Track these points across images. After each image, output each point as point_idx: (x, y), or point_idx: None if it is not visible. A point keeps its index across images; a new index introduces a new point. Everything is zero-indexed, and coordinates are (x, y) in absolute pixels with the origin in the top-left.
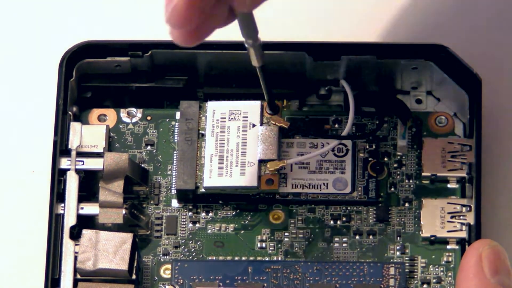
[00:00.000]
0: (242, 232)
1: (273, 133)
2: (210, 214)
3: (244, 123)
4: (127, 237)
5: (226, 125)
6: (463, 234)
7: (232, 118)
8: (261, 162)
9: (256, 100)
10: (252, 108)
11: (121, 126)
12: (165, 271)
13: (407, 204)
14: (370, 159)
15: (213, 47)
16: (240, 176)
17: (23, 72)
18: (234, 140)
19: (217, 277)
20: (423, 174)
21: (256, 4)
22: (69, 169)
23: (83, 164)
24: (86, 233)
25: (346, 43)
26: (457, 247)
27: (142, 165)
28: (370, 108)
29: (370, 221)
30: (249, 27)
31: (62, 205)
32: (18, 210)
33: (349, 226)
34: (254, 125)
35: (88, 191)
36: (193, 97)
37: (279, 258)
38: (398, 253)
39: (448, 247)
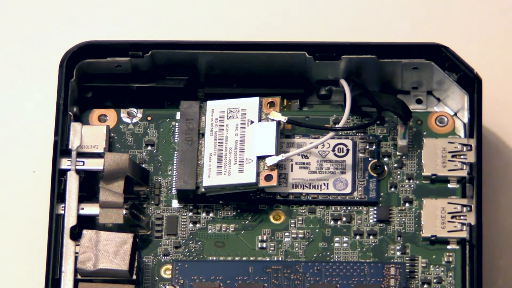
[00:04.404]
0: (242, 232)
1: (271, 128)
2: (211, 214)
3: (243, 120)
4: (128, 238)
5: (225, 124)
6: (464, 234)
7: (230, 116)
8: (260, 158)
9: (254, 97)
10: (250, 104)
11: (121, 127)
12: (166, 272)
13: (407, 204)
14: (370, 159)
15: (214, 47)
16: (239, 174)
17: (23, 72)
18: (232, 138)
19: (217, 277)
20: (424, 174)
21: None
22: (69, 170)
23: (83, 164)
24: (87, 233)
25: (346, 43)
26: (457, 247)
27: (143, 166)
28: (371, 108)
29: (371, 221)
30: None
31: (63, 205)
32: (19, 210)
33: (349, 226)
34: (252, 122)
35: (88, 192)
36: (193, 97)
37: (280, 258)
38: (398, 253)
39: (449, 247)
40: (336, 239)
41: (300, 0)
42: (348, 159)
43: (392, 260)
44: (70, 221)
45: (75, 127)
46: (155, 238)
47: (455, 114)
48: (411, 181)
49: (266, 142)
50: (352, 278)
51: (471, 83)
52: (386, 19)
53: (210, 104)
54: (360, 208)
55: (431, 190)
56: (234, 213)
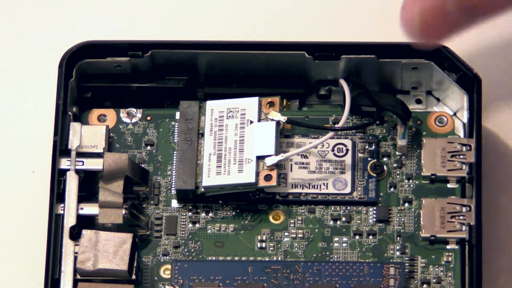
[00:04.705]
0: (242, 232)
1: (271, 128)
2: (210, 214)
3: (242, 120)
4: (127, 237)
5: (224, 124)
6: (463, 234)
7: (230, 116)
8: (259, 158)
9: (254, 97)
10: (249, 104)
11: (121, 126)
12: (165, 271)
13: (407, 204)
14: (369, 159)
15: (214, 47)
16: (238, 174)
17: (23, 72)
18: (232, 137)
19: (217, 277)
20: (423, 174)
21: None
22: (69, 169)
23: (83, 164)
24: (86, 233)
25: (346, 43)
26: (457, 247)
27: (142, 165)
28: (370, 108)
29: (370, 221)
30: None
31: (62, 205)
32: (18, 210)
33: (349, 226)
34: (251, 122)
35: (88, 191)
36: (193, 97)
37: (279, 258)
38: (398, 253)
39: (448, 247)
40: (336, 239)
41: (300, 0)
42: (348, 159)
43: (391, 260)
44: (69, 221)
45: (74, 127)
46: (155, 238)
47: (455, 114)
48: (410, 181)
49: (265, 142)
50: (352, 278)
51: (470, 83)
52: (386, 19)
53: (210, 104)
54: (360, 208)
55: (431, 190)
56: (234, 213)
